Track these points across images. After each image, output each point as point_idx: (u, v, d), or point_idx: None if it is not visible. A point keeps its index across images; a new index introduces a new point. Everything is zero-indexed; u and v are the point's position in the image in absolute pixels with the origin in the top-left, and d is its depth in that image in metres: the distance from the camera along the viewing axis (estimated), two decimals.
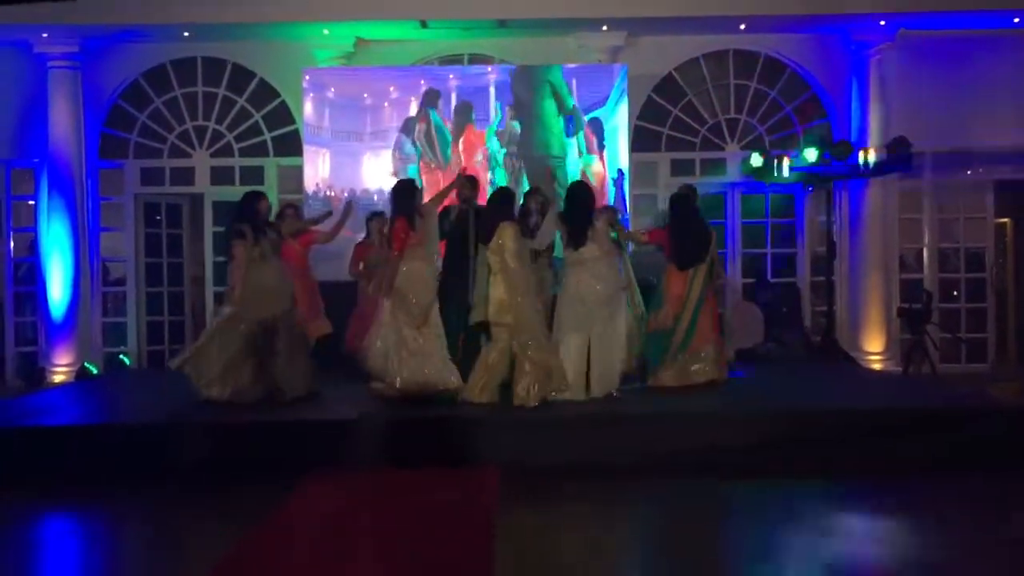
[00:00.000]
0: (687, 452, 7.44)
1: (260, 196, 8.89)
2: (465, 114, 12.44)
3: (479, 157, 12.37)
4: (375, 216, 10.34)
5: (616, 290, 8.66)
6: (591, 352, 8.52)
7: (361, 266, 10.06)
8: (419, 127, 12.47)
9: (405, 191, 8.64)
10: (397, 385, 8.23)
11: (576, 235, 8.56)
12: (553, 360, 8.30)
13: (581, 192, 8.92)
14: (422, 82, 12.52)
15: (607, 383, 8.57)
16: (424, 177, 12.25)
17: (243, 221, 8.57)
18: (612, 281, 8.63)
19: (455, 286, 8.84)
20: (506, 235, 8.26)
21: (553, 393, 8.30)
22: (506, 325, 8.24)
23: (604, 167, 12.28)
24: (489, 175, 12.28)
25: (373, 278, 9.05)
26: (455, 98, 12.45)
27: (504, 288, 8.21)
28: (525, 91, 12.42)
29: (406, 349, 8.26)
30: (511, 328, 8.23)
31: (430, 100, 12.52)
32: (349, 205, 9.92)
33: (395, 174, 12.33)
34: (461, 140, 12.44)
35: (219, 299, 13.18)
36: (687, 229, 9.29)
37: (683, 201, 9.46)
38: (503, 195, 8.76)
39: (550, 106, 12.37)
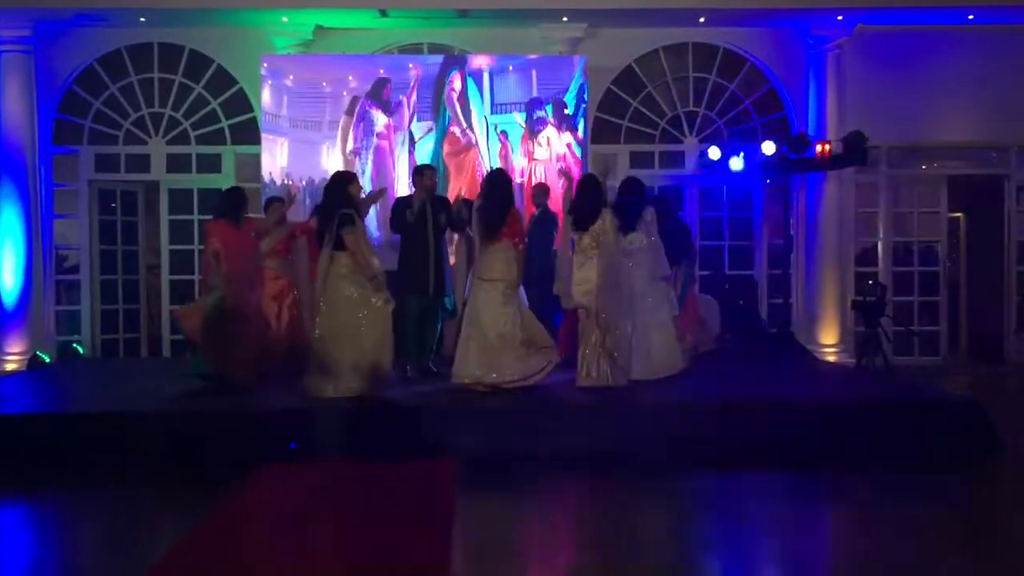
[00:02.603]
0: (645, 443, 7.49)
1: (352, 178, 8.60)
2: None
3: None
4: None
5: (657, 280, 9.08)
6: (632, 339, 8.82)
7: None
8: (452, 88, 12.25)
9: (507, 182, 8.78)
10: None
11: (625, 224, 8.87)
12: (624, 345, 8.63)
13: (633, 185, 9.40)
14: (381, 71, 12.43)
15: (646, 370, 8.85)
16: (447, 150, 12.21)
17: (339, 207, 8.19)
18: (653, 271, 9.05)
19: (417, 275, 8.97)
20: (608, 219, 8.55)
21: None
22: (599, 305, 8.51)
23: None
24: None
25: None
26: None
27: (604, 270, 8.48)
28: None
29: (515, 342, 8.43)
30: (605, 309, 8.50)
31: (458, 60, 12.47)
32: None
33: (356, 152, 12.23)
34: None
35: (175, 287, 13.11)
36: (668, 229, 9.59)
37: (663, 203, 9.96)
38: (594, 182, 8.97)
39: None
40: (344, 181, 8.46)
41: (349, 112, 12.30)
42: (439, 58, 12.63)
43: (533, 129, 12.33)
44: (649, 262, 9.04)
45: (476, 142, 12.24)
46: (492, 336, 8.34)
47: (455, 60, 12.47)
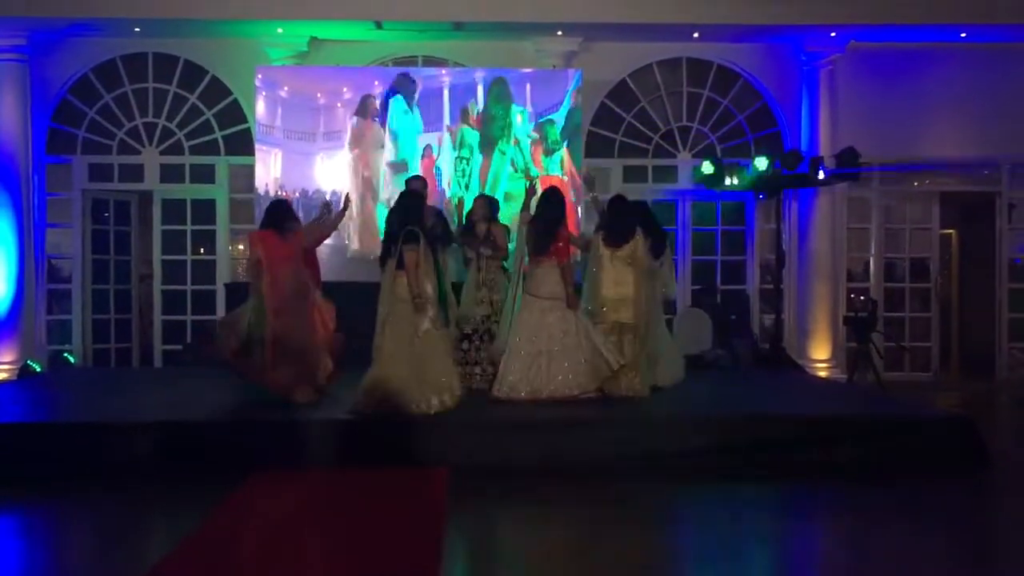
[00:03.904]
0: (636, 456, 7.49)
1: (423, 197, 8.76)
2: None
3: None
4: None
5: (662, 301, 9.53)
6: None
7: None
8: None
9: (561, 201, 8.81)
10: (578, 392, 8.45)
11: (655, 249, 9.17)
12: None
13: (652, 211, 9.83)
14: (376, 83, 12.45)
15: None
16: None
17: (413, 222, 8.05)
18: (662, 291, 9.42)
19: None
20: (640, 239, 8.80)
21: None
22: (635, 320, 8.79)
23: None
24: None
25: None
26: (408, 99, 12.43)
27: (641, 286, 8.77)
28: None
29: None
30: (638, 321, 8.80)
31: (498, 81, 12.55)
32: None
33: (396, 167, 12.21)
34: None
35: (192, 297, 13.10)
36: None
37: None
38: (624, 200, 9.27)
39: None
40: (418, 198, 8.52)
41: (362, 113, 12.34)
42: (434, 70, 12.70)
43: (547, 147, 12.39)
44: (663, 285, 9.39)
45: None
46: (548, 351, 8.39)
47: (496, 79, 12.46)
